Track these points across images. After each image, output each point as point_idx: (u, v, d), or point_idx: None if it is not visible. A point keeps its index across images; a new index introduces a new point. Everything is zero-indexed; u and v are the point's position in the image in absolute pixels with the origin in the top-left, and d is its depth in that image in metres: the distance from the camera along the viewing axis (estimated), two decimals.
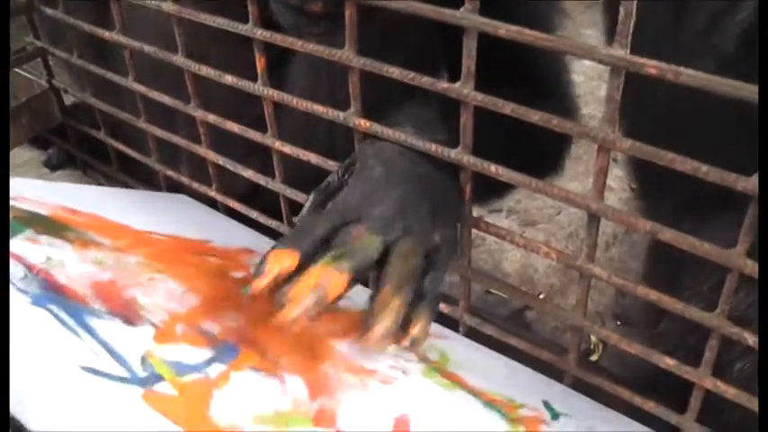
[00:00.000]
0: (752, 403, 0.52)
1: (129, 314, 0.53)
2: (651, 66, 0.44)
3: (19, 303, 0.52)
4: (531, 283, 1.38)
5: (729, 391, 0.53)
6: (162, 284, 0.59)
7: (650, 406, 0.58)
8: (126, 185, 0.95)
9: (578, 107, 0.85)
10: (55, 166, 1.04)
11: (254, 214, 0.77)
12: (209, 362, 0.50)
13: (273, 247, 0.48)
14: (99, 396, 0.45)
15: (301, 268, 0.47)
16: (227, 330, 0.54)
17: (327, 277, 0.46)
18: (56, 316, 0.51)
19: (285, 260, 0.47)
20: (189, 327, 0.53)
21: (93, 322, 0.51)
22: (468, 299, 0.64)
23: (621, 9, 0.44)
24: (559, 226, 1.49)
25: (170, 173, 0.85)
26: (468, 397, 0.58)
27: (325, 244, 0.49)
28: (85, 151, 1.02)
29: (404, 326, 0.50)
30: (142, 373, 0.48)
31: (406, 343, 0.50)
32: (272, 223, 0.76)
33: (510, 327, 0.68)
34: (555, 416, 0.59)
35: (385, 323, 0.47)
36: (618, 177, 1.63)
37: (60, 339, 0.49)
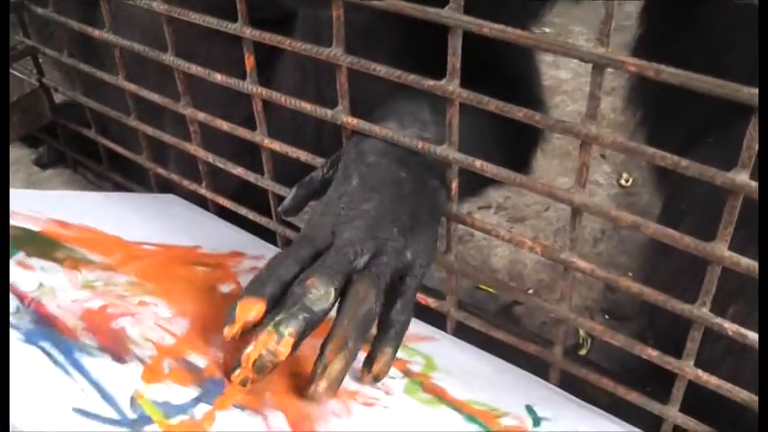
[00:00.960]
0: (733, 393, 0.53)
1: (118, 349, 0.54)
2: (631, 63, 0.45)
3: (11, 340, 0.52)
4: (520, 278, 1.39)
5: (711, 381, 0.54)
6: (151, 309, 0.60)
7: (633, 396, 0.59)
8: (116, 183, 0.96)
9: (548, 108, 0.87)
10: (45, 164, 1.04)
11: (243, 211, 0.78)
12: (194, 402, 0.51)
13: (241, 296, 0.53)
14: None
15: (269, 312, 0.52)
16: (213, 363, 0.55)
17: (274, 342, 0.50)
18: (48, 354, 0.51)
19: (251, 310, 0.52)
20: (176, 361, 0.54)
21: (84, 359, 0.51)
22: (456, 293, 0.65)
23: (602, 10, 0.45)
24: (548, 222, 1.50)
25: (160, 171, 0.86)
26: (449, 412, 0.59)
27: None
28: (75, 149, 1.02)
29: (367, 362, 0.55)
30: (132, 415, 0.48)
31: (367, 381, 0.55)
32: (262, 220, 0.77)
33: (497, 321, 0.69)
34: (537, 421, 0.60)
35: (323, 384, 0.51)
36: (606, 173, 1.64)
37: (52, 379, 0.49)
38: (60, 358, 0.51)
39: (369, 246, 0.55)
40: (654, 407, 0.58)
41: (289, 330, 0.50)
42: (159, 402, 0.50)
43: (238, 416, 0.51)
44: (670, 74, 0.44)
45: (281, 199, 0.74)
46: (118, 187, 0.96)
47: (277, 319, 0.51)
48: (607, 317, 1.31)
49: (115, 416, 0.48)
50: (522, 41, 0.49)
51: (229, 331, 0.51)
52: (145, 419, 0.48)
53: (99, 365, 0.51)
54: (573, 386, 0.64)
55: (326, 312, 0.52)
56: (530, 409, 0.61)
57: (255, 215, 0.77)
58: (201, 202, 0.85)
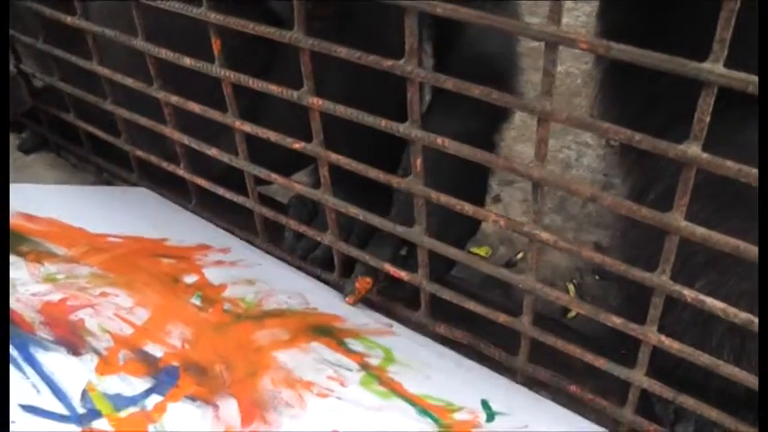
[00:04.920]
0: (695, 357, 0.54)
1: (74, 341, 0.55)
2: (582, 41, 0.46)
3: None
4: (510, 243, 1.40)
5: (674, 346, 0.55)
6: (112, 300, 0.61)
7: (601, 363, 0.60)
8: (98, 167, 0.96)
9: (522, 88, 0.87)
10: (29, 149, 1.05)
11: (220, 191, 0.79)
12: (146, 393, 0.52)
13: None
14: None
15: None
16: (170, 352, 0.56)
17: None
18: None
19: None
20: (132, 352, 0.55)
21: (39, 354, 0.53)
22: (427, 266, 0.66)
23: None
24: None
25: (138, 153, 0.86)
26: (403, 405, 0.60)
27: None
28: (58, 134, 1.02)
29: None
30: (81, 410, 0.49)
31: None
32: (239, 199, 0.77)
33: (471, 290, 0.70)
34: (491, 416, 0.61)
35: None
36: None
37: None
38: (14, 353, 0.52)
39: None
40: (621, 372, 0.59)
41: None
42: (110, 395, 0.51)
43: (188, 408, 0.52)
44: (620, 50, 0.45)
45: (257, 179, 0.74)
46: (101, 170, 0.96)
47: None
48: (597, 277, 1.33)
49: (64, 411, 0.49)
50: (474, 21, 0.49)
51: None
52: (94, 414, 0.50)
53: (53, 359, 0.53)
54: (547, 353, 0.65)
55: None
56: (485, 404, 0.62)
57: (233, 194, 0.78)
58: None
